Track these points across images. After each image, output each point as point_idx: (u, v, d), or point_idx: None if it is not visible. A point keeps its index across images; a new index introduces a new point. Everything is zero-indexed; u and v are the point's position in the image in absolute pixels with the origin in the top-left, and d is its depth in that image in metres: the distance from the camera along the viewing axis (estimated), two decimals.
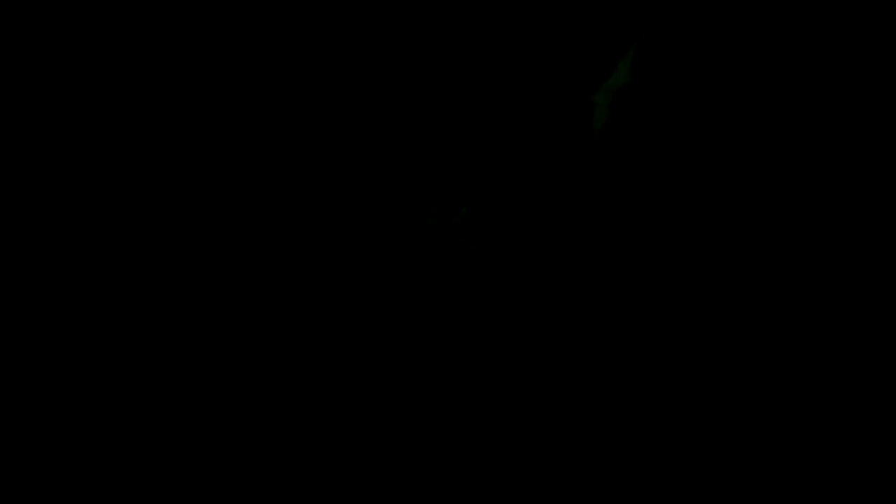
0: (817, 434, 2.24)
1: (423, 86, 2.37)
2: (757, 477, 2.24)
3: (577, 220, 2.36)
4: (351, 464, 2.27)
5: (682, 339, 2.33)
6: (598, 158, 2.36)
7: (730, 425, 2.26)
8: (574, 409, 2.32)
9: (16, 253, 2.28)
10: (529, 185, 2.37)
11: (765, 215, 2.33)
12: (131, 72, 2.31)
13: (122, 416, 2.27)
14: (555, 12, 2.37)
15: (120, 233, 2.31)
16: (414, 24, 2.36)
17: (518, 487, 2.26)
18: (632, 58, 2.36)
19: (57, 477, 2.23)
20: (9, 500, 2.22)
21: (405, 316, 2.34)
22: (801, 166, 2.33)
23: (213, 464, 2.26)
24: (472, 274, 2.35)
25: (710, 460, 2.25)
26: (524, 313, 2.35)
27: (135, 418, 2.27)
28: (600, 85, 2.37)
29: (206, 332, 2.30)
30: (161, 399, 2.28)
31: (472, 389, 2.32)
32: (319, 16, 2.34)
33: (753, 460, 2.24)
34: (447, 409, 2.32)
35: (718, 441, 2.26)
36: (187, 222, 2.31)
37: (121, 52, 2.32)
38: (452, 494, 2.25)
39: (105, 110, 2.31)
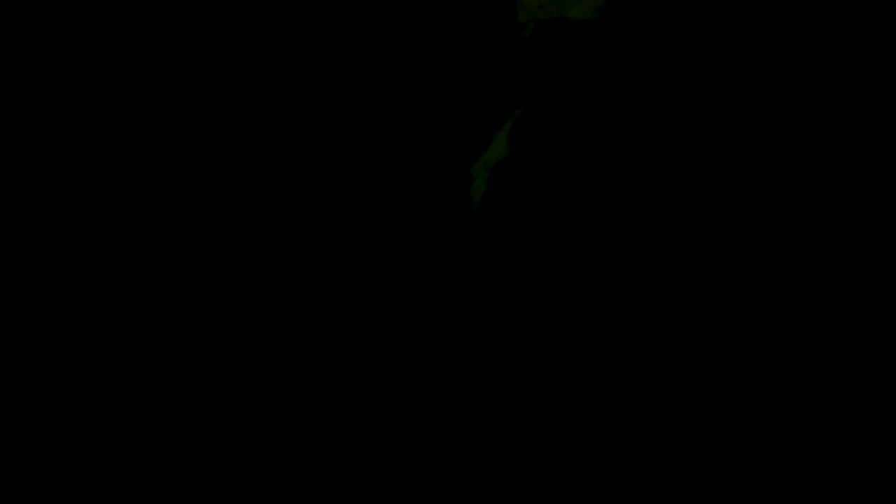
0: (818, 434, 2.20)
1: (300, 154, 2.44)
2: (757, 477, 2.18)
3: (457, 292, 2.36)
4: (337, 466, 2.25)
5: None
6: (477, 231, 2.38)
7: (729, 425, 2.21)
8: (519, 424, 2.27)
9: (14, 253, 2.33)
10: (407, 257, 2.39)
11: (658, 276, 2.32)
12: (113, 69, 2.40)
13: (121, 416, 2.27)
14: (428, 82, 2.44)
15: (114, 233, 2.35)
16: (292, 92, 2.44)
17: (516, 487, 2.22)
18: (508, 131, 2.41)
19: (57, 477, 2.23)
20: (9, 501, 2.21)
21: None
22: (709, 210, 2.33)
23: (213, 464, 2.25)
24: (350, 343, 2.36)
25: (710, 460, 2.20)
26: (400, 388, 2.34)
27: (133, 418, 2.27)
28: (477, 157, 2.41)
29: (193, 334, 2.31)
30: (159, 399, 2.28)
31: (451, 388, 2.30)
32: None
33: (753, 460, 2.20)
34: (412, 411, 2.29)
35: (718, 441, 2.21)
36: (162, 222, 2.36)
37: (106, 49, 2.40)
38: (450, 495, 2.22)
39: (89, 108, 2.38)
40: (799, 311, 2.26)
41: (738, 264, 2.30)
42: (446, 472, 2.27)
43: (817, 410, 2.22)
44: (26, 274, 2.33)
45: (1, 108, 2.37)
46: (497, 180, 2.39)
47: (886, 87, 2.30)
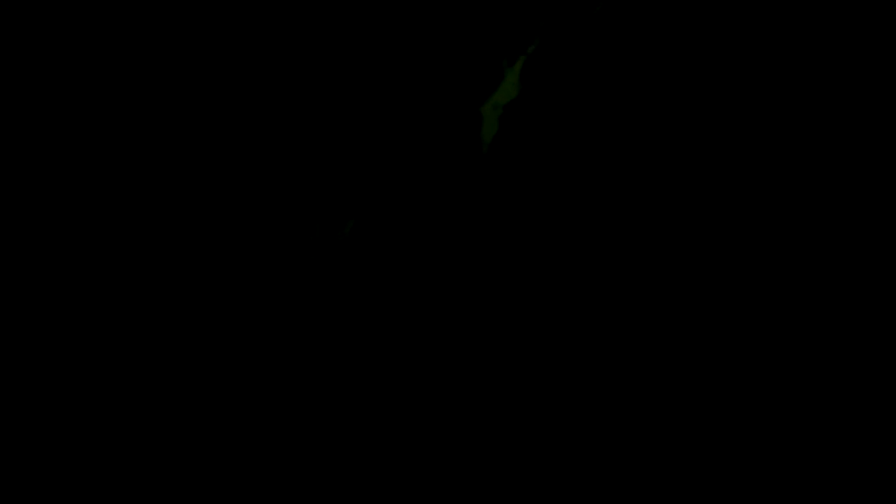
0: (818, 434, 2.19)
1: (306, 94, 2.39)
2: (757, 477, 2.18)
3: (467, 234, 2.33)
4: (335, 453, 2.26)
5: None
6: (487, 172, 2.34)
7: (727, 425, 2.21)
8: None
9: (13, 252, 2.31)
10: (418, 198, 2.36)
11: (669, 228, 2.29)
12: (106, 67, 2.37)
13: (120, 416, 2.27)
14: (439, 21, 2.38)
15: (104, 220, 2.33)
16: (296, 31, 2.39)
17: (516, 481, 2.23)
18: (520, 71, 2.35)
19: (56, 477, 2.23)
20: (9, 501, 2.21)
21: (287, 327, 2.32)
22: (705, 183, 2.29)
23: (213, 464, 2.25)
24: (358, 287, 2.33)
25: (710, 460, 2.20)
26: (413, 328, 2.32)
27: (132, 418, 2.27)
28: (487, 97, 2.36)
29: (184, 335, 2.31)
30: (155, 399, 2.28)
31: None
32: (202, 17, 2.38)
33: (753, 460, 2.19)
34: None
35: (718, 441, 2.21)
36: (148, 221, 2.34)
37: (100, 46, 2.37)
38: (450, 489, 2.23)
39: (80, 105, 2.36)
40: (798, 309, 2.24)
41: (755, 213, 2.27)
42: (446, 465, 2.26)
43: (817, 410, 2.20)
44: (22, 274, 2.31)
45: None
46: (508, 121, 2.34)
47: (882, 83, 2.25)
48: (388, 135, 2.37)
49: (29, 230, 2.31)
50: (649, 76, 2.32)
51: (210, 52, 2.36)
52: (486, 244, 2.32)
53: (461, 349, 2.29)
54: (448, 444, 2.25)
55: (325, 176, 2.37)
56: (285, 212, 2.36)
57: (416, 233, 2.34)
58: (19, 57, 2.36)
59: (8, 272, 2.29)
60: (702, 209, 2.28)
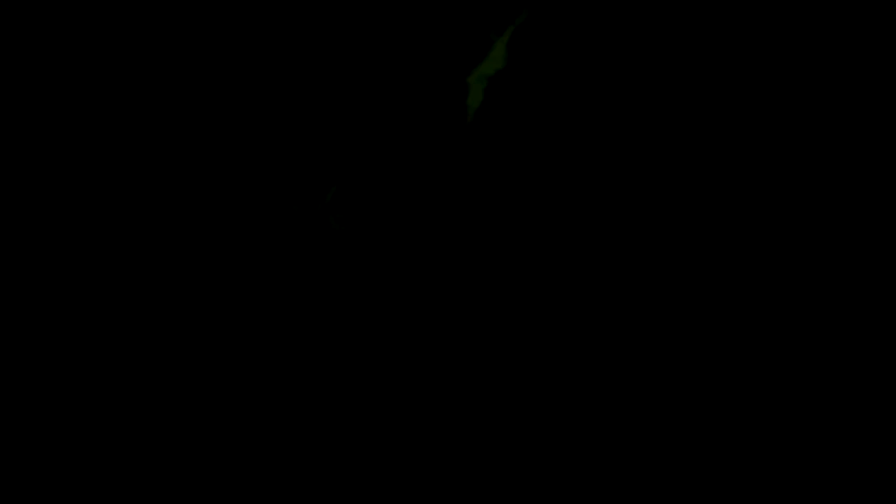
0: (818, 434, 2.19)
1: (288, 65, 2.38)
2: (757, 477, 2.19)
3: (450, 204, 2.33)
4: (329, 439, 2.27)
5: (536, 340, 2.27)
6: (472, 142, 2.33)
7: (726, 425, 2.22)
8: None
9: (12, 252, 2.33)
10: (401, 167, 2.35)
11: (646, 210, 2.28)
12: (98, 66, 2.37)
13: (119, 416, 2.28)
14: None
15: (105, 233, 2.34)
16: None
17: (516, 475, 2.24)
18: (507, 41, 2.33)
19: (55, 477, 2.25)
20: (9, 501, 2.23)
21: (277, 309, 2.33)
22: (687, 163, 2.27)
23: (212, 464, 2.26)
24: (344, 257, 2.34)
25: (709, 460, 2.20)
26: (393, 301, 2.32)
27: (130, 419, 2.28)
28: (474, 67, 2.34)
29: (179, 335, 2.31)
30: (152, 399, 2.29)
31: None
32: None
33: (753, 460, 2.20)
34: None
35: (718, 441, 2.21)
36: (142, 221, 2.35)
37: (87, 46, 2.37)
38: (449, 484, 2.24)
39: (69, 104, 2.36)
40: (798, 309, 2.22)
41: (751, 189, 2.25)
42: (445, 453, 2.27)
43: (817, 410, 2.19)
44: (23, 274, 2.31)
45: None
46: (494, 92, 2.32)
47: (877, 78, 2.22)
48: (373, 104, 2.36)
49: (31, 231, 2.32)
50: (638, 57, 2.30)
51: (167, 31, 2.36)
52: (467, 219, 2.32)
53: (448, 338, 2.29)
54: (437, 441, 2.26)
55: (307, 141, 2.37)
56: (266, 184, 2.35)
57: (399, 207, 2.33)
58: (17, 56, 2.36)
59: (11, 273, 2.30)
60: (694, 190, 2.26)
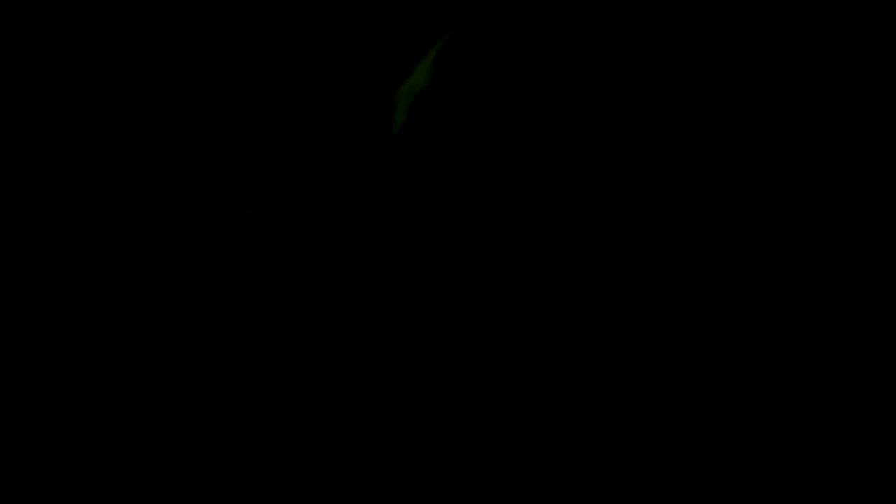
0: (818, 435, 2.16)
1: (211, 79, 2.34)
2: (757, 477, 2.16)
3: (374, 219, 2.28)
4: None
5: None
6: (396, 158, 2.28)
7: (725, 425, 2.19)
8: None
9: (12, 252, 2.28)
10: (322, 183, 2.30)
11: (579, 220, 2.24)
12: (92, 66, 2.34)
13: (118, 416, 2.25)
14: (354, 3, 2.32)
15: (104, 233, 2.30)
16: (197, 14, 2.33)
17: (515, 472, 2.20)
18: (434, 58, 2.29)
19: (55, 477, 2.22)
20: (9, 501, 2.20)
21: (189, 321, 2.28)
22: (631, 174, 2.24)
23: (212, 464, 2.22)
24: (260, 274, 2.28)
25: (709, 460, 2.17)
26: (318, 316, 2.27)
27: (130, 419, 2.25)
28: (400, 83, 2.30)
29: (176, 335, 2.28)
30: (150, 399, 2.26)
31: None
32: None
33: (753, 460, 2.17)
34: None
35: (718, 441, 2.18)
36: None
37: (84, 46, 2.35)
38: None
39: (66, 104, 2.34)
40: (798, 308, 2.20)
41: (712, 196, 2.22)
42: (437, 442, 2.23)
43: (816, 411, 2.17)
44: (22, 274, 2.28)
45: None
46: (418, 109, 2.28)
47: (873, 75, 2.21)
48: (295, 119, 2.32)
49: (30, 231, 2.29)
50: (567, 71, 2.27)
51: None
52: (390, 228, 2.27)
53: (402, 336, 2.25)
54: (431, 441, 2.21)
55: (226, 159, 2.32)
56: (183, 200, 2.30)
57: (319, 217, 2.28)
58: (16, 56, 2.32)
59: (10, 273, 2.28)
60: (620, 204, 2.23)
